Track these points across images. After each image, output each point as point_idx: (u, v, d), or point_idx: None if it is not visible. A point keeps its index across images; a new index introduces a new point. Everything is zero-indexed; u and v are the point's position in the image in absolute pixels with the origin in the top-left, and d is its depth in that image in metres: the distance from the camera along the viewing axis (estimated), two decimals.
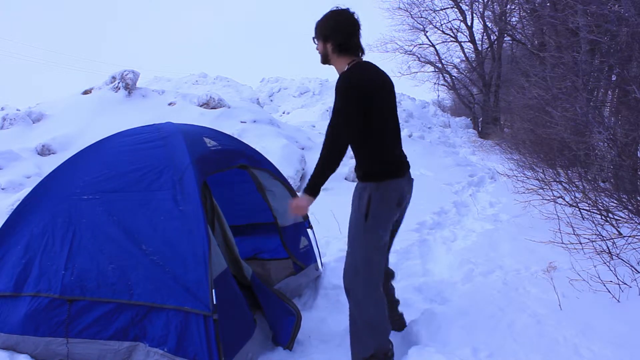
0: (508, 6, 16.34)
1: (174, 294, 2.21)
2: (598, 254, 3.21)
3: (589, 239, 3.56)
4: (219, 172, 2.86)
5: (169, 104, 10.61)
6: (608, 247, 3.26)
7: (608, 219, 3.91)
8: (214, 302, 2.15)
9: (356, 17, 2.37)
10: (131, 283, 2.29)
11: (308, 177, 2.65)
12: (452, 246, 4.86)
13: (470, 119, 24.51)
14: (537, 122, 7.01)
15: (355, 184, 2.46)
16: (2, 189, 6.86)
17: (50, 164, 7.07)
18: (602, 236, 3.54)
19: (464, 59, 23.75)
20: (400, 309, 2.91)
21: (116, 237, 2.36)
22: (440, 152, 12.89)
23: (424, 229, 5.44)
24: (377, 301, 2.37)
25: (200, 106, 10.58)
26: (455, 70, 24.61)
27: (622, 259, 3.09)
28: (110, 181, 2.53)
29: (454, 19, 22.53)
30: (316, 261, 3.69)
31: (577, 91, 5.05)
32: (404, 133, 12.87)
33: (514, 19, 16.46)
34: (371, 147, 2.34)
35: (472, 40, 22.55)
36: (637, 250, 3.33)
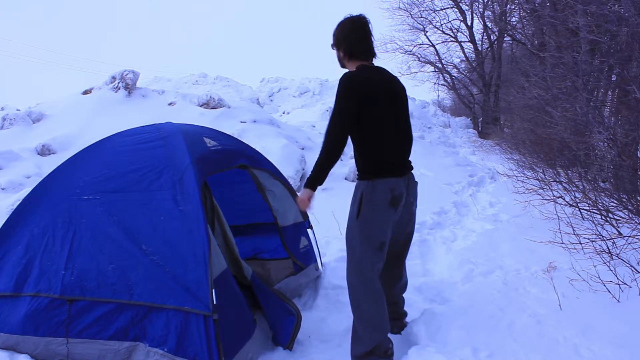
0: (508, 6, 16.34)
1: (174, 294, 2.21)
2: (598, 254, 3.21)
3: (589, 239, 3.56)
4: (219, 172, 2.86)
5: (169, 104, 10.61)
6: (608, 247, 3.26)
7: (608, 219, 3.90)
8: (214, 302, 2.15)
9: (364, 23, 2.48)
10: (131, 283, 2.29)
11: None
12: (452, 246, 4.86)
13: (470, 119, 24.49)
14: (537, 122, 7.01)
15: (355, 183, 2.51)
16: (2, 189, 6.86)
17: (50, 164, 7.07)
18: (602, 236, 3.54)
19: (464, 59, 23.75)
20: None
21: (116, 237, 2.36)
22: (440, 152, 12.89)
23: (424, 229, 5.44)
24: (376, 299, 2.40)
25: (200, 106, 10.58)
26: (455, 70, 24.61)
27: (622, 259, 3.09)
28: (111, 181, 2.54)
29: (454, 19, 22.54)
30: (316, 261, 3.69)
31: (577, 91, 5.05)
32: None
33: (514, 19, 16.45)
34: (367, 146, 2.42)
35: (472, 40, 22.54)
36: (637, 250, 3.33)
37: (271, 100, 26.63)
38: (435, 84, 24.75)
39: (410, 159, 2.60)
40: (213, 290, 2.16)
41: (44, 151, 8.40)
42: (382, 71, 2.53)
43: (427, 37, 22.81)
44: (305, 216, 3.62)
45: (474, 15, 22.00)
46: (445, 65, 23.47)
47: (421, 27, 22.40)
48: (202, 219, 2.27)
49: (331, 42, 2.56)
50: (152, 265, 2.27)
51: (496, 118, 20.72)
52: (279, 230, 3.39)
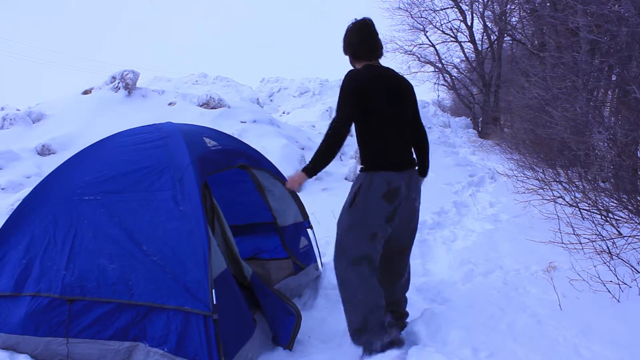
0: (508, 6, 16.31)
1: (174, 294, 2.21)
2: (598, 254, 3.21)
3: (589, 239, 3.56)
4: (219, 172, 2.86)
5: (169, 104, 10.62)
6: (608, 247, 3.26)
7: (608, 219, 3.90)
8: (214, 302, 2.16)
9: (368, 25, 2.59)
10: (131, 283, 2.30)
11: None
12: (452, 246, 4.86)
13: (470, 119, 24.47)
14: (537, 122, 7.02)
15: None
16: (2, 189, 6.87)
17: (50, 164, 7.07)
18: (602, 236, 3.54)
19: (464, 59, 23.73)
20: None
21: (117, 238, 2.36)
22: (440, 152, 12.90)
23: (424, 229, 5.44)
24: (360, 280, 2.45)
25: (200, 106, 10.58)
26: (455, 70, 24.59)
27: (622, 259, 3.09)
28: (111, 182, 2.54)
29: (454, 19, 22.52)
30: (316, 261, 3.69)
31: (577, 91, 5.05)
32: None
33: (514, 19, 16.44)
34: (367, 141, 2.53)
35: (472, 40, 22.53)
36: (637, 250, 3.33)
37: (271, 100, 26.61)
38: (435, 84, 24.76)
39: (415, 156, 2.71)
40: (213, 290, 2.17)
41: (44, 151, 8.40)
42: (387, 70, 2.63)
43: (427, 37, 22.82)
44: (305, 216, 3.63)
45: (474, 15, 22.00)
46: (445, 65, 23.46)
47: (421, 27, 22.40)
48: (202, 219, 2.27)
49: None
50: (153, 266, 2.27)
51: (496, 118, 20.70)
52: (278, 230, 3.39)
